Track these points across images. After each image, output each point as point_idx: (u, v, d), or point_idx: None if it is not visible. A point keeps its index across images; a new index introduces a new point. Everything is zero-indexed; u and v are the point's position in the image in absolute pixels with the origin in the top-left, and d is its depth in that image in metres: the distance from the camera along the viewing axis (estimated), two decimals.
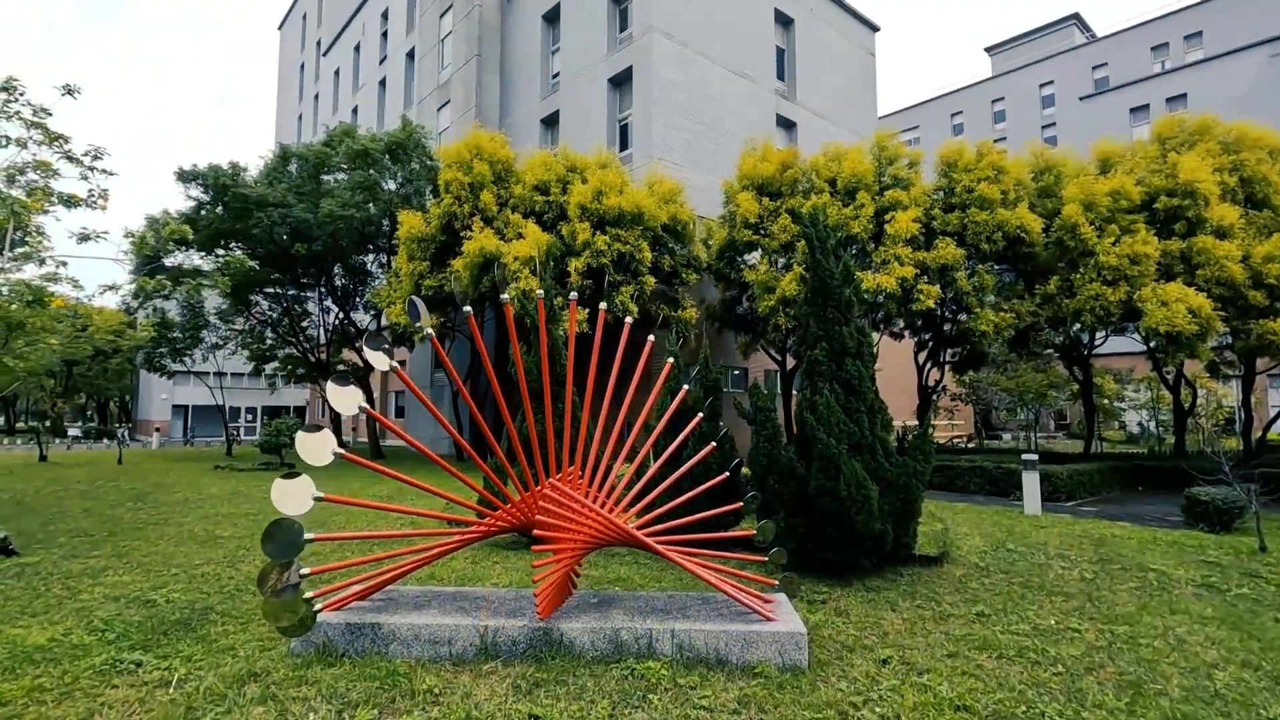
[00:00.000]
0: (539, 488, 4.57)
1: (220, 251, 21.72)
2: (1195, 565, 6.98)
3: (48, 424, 44.07)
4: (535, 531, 4.45)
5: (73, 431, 43.62)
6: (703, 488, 5.24)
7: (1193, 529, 9.14)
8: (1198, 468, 10.97)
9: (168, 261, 21.11)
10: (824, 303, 6.50)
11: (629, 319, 5.20)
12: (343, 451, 3.94)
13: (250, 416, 49.25)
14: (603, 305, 4.99)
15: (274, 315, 25.99)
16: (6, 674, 4.04)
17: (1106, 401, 25.36)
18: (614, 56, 21.39)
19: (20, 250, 8.88)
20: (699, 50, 21.35)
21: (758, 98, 23.36)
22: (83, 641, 4.57)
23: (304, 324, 26.53)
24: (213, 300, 25.77)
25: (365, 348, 3.93)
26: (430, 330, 4.06)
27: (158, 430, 36.34)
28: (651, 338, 5.08)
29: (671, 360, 5.64)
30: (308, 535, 3.92)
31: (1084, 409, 18.94)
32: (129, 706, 3.62)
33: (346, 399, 3.88)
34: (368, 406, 3.97)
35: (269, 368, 27.97)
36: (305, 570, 4.02)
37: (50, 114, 8.10)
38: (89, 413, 57.66)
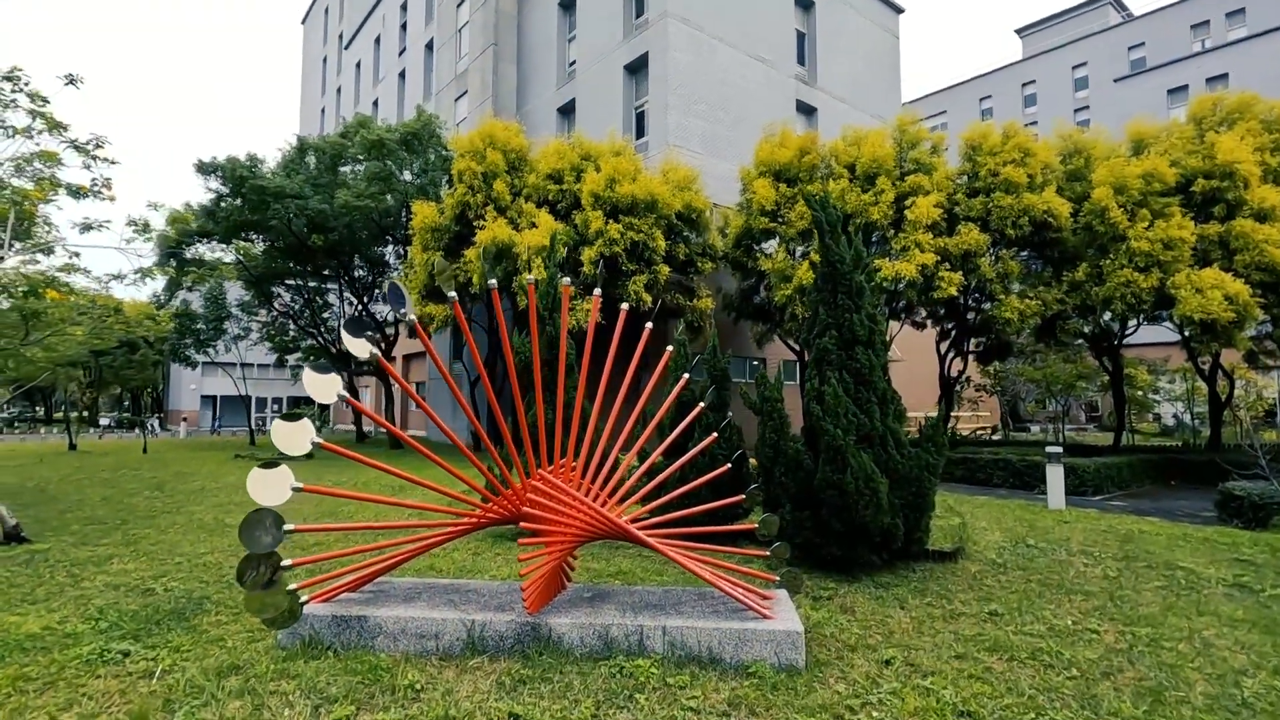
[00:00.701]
0: (529, 479, 4.44)
1: (240, 243, 22.00)
2: (1227, 564, 6.64)
3: (83, 414, 45.29)
4: (522, 524, 4.33)
5: (104, 421, 44.78)
6: (702, 480, 5.07)
7: (1226, 525, 8.74)
8: (1234, 461, 10.51)
9: (189, 253, 21.48)
10: (834, 289, 6.26)
11: (625, 306, 5.04)
12: (321, 441, 3.84)
13: (276, 406, 50.11)
14: (596, 292, 4.82)
15: (295, 307, 26.27)
16: None
17: (1140, 393, 24.56)
18: (630, 43, 21.11)
19: (31, 241, 8.99)
20: (716, 35, 20.96)
21: (777, 83, 22.89)
22: (75, 630, 4.57)
23: (325, 315, 26.79)
24: (235, 292, 26.17)
25: (345, 335, 3.82)
26: (414, 317, 3.94)
27: (184, 420, 37.14)
28: (649, 325, 4.90)
29: (671, 349, 5.47)
30: (287, 526, 3.84)
31: (1114, 400, 18.34)
32: (109, 698, 3.58)
33: (324, 387, 3.78)
34: (347, 395, 3.87)
35: (292, 359, 28.32)
36: (287, 562, 3.94)
37: (48, 101, 8.17)
38: (124, 403, 59.17)
